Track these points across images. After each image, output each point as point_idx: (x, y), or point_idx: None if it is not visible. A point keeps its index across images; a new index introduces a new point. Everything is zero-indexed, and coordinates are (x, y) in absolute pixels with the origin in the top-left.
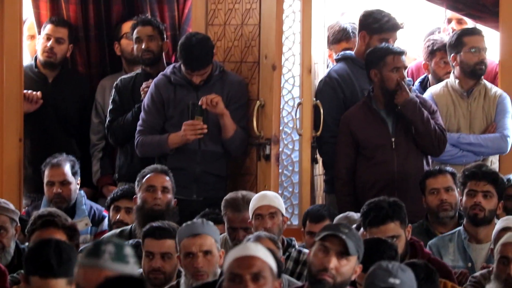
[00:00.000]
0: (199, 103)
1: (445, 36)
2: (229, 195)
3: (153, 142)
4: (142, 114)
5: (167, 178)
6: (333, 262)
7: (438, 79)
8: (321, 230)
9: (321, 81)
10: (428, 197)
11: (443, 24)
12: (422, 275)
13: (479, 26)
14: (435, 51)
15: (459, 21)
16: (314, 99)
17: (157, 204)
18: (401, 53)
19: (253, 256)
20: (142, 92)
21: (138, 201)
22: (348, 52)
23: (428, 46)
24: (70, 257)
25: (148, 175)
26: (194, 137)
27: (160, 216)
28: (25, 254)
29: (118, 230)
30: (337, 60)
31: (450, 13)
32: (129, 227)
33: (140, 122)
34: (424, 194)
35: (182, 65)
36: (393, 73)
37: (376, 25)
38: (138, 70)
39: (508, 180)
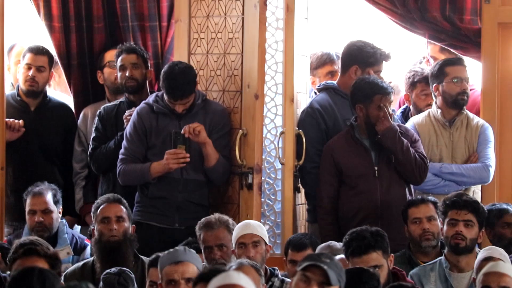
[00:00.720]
0: (182, 132)
1: (427, 67)
2: (203, 219)
3: (135, 171)
4: (124, 143)
5: (122, 206)
6: None
7: (419, 110)
8: (303, 260)
9: (303, 111)
10: (411, 226)
11: (425, 56)
12: None
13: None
14: (416, 83)
15: (441, 50)
16: (297, 128)
17: (113, 236)
18: (389, 93)
19: (236, 284)
20: (125, 120)
21: (95, 233)
22: (330, 82)
23: (409, 78)
24: (53, 284)
25: (101, 206)
26: (176, 166)
27: (118, 246)
28: (9, 282)
29: (80, 264)
30: (319, 90)
31: (431, 48)
32: (91, 259)
33: (122, 150)
34: (406, 223)
35: (164, 94)
36: (379, 111)
37: (372, 59)
38: (122, 98)
39: (503, 210)
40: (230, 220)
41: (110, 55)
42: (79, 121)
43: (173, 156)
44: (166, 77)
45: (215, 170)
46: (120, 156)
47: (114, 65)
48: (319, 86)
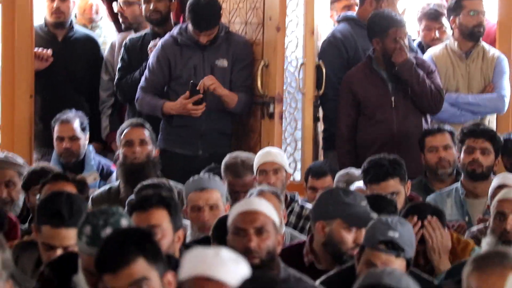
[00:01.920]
0: (197, 87)
1: (436, 2)
2: (228, 159)
3: (149, 103)
4: (146, 73)
5: (145, 130)
6: None
7: (427, 45)
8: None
9: (325, 40)
10: (427, 155)
11: None
12: (430, 210)
13: None
14: (421, 19)
15: None
16: (317, 59)
17: (136, 158)
18: (404, 25)
19: (257, 210)
20: (149, 51)
21: (120, 157)
22: (349, 13)
23: (417, 14)
24: (80, 208)
25: (125, 130)
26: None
27: (141, 169)
28: (38, 205)
29: (107, 187)
30: (339, 21)
31: None
32: (116, 183)
33: (143, 79)
34: (422, 151)
35: (190, 25)
36: (394, 42)
37: None
38: (147, 29)
39: None
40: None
41: None
42: (106, 51)
43: (189, 107)
44: (192, 9)
45: (236, 109)
46: (140, 84)
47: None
48: (339, 17)
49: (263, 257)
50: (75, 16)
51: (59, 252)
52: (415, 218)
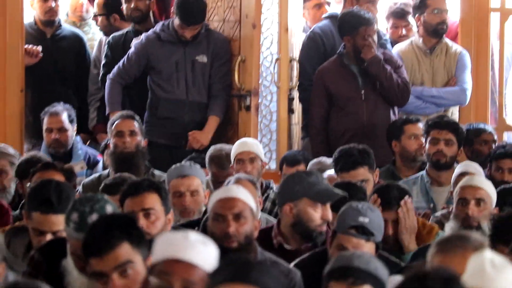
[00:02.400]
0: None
1: (403, 1)
2: (213, 151)
3: (106, 97)
4: (124, 59)
5: (134, 122)
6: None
7: (394, 42)
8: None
9: (306, 35)
10: (406, 141)
11: None
12: (397, 193)
13: None
14: (388, 17)
15: None
16: (295, 53)
17: (126, 148)
18: (372, 23)
19: (235, 197)
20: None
21: (111, 146)
22: (335, 12)
23: (385, 13)
24: (68, 196)
25: (116, 122)
26: None
27: (131, 157)
28: (28, 193)
29: (97, 175)
30: (325, 18)
31: None
32: (106, 171)
33: (119, 64)
34: (398, 139)
35: (176, 21)
36: (363, 40)
37: None
38: (129, 27)
39: (481, 129)
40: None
41: None
42: (95, 48)
43: None
44: (181, 4)
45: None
46: (114, 69)
47: None
48: (326, 15)
49: (241, 241)
50: (67, 14)
51: (48, 237)
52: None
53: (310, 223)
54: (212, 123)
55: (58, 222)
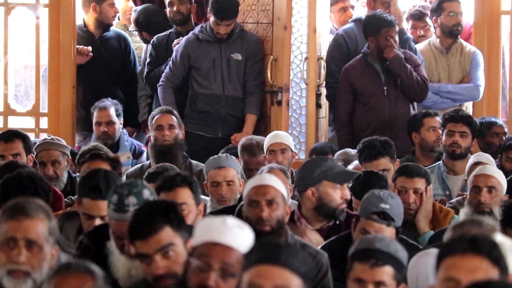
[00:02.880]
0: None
1: (421, 4)
2: (245, 140)
3: (162, 102)
4: (170, 64)
5: (173, 116)
6: None
7: (414, 42)
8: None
9: (333, 37)
10: (425, 133)
11: None
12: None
13: None
14: (408, 19)
15: None
16: (319, 54)
17: (165, 140)
18: (394, 25)
19: (268, 185)
20: (173, 47)
21: (151, 139)
22: (360, 16)
23: (405, 15)
24: (115, 183)
25: (156, 116)
26: None
27: (170, 149)
28: (79, 181)
29: (139, 165)
30: (351, 21)
31: None
32: (148, 162)
33: (167, 69)
34: (418, 131)
35: (211, 18)
36: (386, 40)
37: None
38: (171, 29)
39: (492, 122)
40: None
41: None
42: (143, 49)
43: None
44: (215, 1)
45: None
46: (164, 74)
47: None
48: (352, 18)
49: (273, 225)
50: (118, 18)
51: (97, 221)
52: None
53: (332, 203)
54: (250, 121)
55: (106, 207)
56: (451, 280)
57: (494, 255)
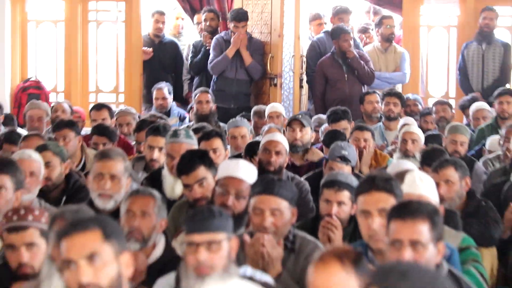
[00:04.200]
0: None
1: (366, 22)
2: (256, 108)
3: (218, 61)
4: (212, 52)
5: (208, 94)
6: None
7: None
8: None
9: (310, 42)
10: (367, 106)
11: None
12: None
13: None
14: (358, 32)
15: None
16: (302, 53)
17: (203, 111)
18: (349, 32)
19: (277, 140)
20: (206, 43)
21: (194, 109)
22: (328, 29)
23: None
24: (170, 128)
25: (197, 94)
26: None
27: (206, 117)
28: (147, 128)
29: (185, 125)
30: (322, 32)
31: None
32: (191, 123)
33: (211, 57)
34: (362, 104)
35: (231, 23)
36: (344, 42)
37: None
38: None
39: (415, 97)
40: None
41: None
42: (186, 48)
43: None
44: (235, 11)
45: (250, 67)
46: (210, 59)
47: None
48: (323, 31)
49: (276, 168)
50: (170, 30)
51: (156, 151)
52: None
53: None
54: (248, 55)
55: (162, 142)
56: (364, 212)
57: (389, 187)
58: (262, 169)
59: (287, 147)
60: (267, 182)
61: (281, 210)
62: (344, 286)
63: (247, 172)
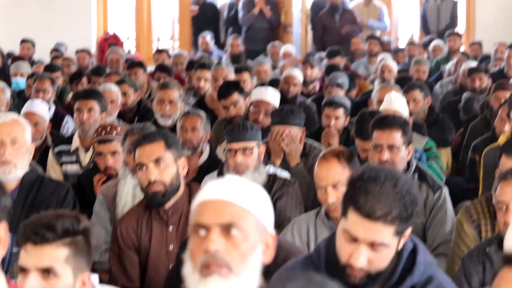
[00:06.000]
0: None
1: None
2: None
3: (247, 16)
4: (241, 10)
5: (238, 39)
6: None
7: None
8: None
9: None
10: (353, 46)
11: None
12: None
13: None
14: None
15: None
16: (307, 8)
17: (235, 51)
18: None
19: (294, 75)
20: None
21: (229, 51)
22: None
23: None
24: (210, 65)
25: (230, 40)
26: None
27: (238, 55)
28: (197, 65)
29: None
30: None
31: None
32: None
33: (241, 13)
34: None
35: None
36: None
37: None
38: None
39: None
40: None
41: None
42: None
43: None
44: None
45: (269, 19)
46: (241, 16)
47: None
48: None
49: (293, 95)
50: None
51: (202, 82)
52: None
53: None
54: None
55: (207, 74)
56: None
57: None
58: (283, 96)
59: (301, 80)
60: (283, 114)
61: (295, 133)
62: (340, 176)
63: (273, 96)
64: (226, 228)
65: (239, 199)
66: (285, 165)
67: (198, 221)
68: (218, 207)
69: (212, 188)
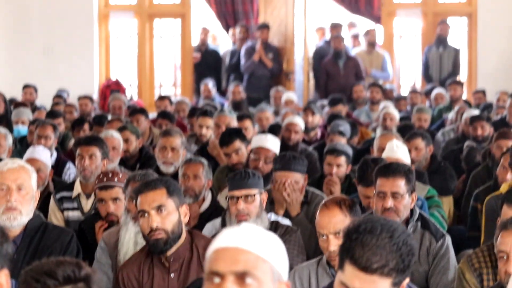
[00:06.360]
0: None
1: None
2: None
3: (248, 64)
4: (243, 58)
5: (240, 87)
6: None
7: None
8: None
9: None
10: (355, 94)
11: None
12: None
13: None
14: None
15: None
16: (309, 56)
17: (237, 98)
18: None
19: (296, 123)
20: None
21: (230, 98)
22: (326, 39)
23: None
24: (212, 113)
25: (232, 87)
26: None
27: (240, 103)
28: (199, 112)
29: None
30: (324, 41)
31: None
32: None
33: (243, 61)
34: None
35: (258, 31)
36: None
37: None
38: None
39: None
40: None
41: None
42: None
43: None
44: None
45: (272, 68)
46: (242, 64)
47: None
48: (324, 39)
49: (294, 143)
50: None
51: (204, 129)
52: None
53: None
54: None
55: (209, 121)
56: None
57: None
58: (284, 143)
59: (303, 127)
60: (286, 160)
61: (297, 180)
62: (342, 224)
63: (273, 143)
64: (241, 277)
65: (255, 247)
66: (287, 214)
67: (212, 269)
68: (233, 255)
69: (227, 236)
